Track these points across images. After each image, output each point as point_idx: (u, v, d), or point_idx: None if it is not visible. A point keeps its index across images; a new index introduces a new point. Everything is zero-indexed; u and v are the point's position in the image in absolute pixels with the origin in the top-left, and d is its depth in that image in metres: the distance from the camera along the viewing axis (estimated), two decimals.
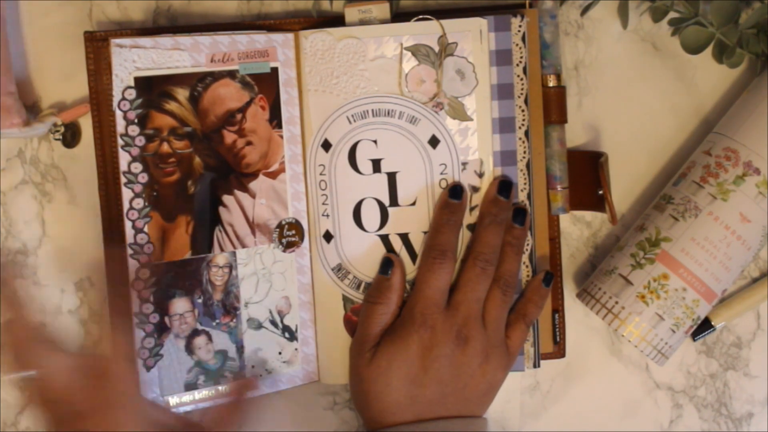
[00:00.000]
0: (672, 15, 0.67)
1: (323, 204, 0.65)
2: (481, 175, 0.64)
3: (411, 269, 0.65)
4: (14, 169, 0.68)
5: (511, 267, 0.63)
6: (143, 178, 0.62)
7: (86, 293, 0.69)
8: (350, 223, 0.65)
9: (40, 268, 0.69)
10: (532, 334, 0.66)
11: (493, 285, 0.63)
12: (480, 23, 0.63)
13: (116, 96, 0.61)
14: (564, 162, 0.67)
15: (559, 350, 0.68)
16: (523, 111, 0.65)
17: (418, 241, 0.65)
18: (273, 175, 0.65)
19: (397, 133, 0.64)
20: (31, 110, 0.68)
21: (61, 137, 0.67)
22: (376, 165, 0.65)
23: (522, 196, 0.65)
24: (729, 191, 0.64)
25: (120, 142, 0.61)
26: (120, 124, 0.61)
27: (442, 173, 0.64)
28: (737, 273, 0.66)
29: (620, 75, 0.70)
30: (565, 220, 0.71)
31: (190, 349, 0.63)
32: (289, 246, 0.66)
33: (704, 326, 0.70)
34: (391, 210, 0.65)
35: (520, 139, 0.65)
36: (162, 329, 0.63)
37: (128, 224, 0.61)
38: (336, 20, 0.65)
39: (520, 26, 0.64)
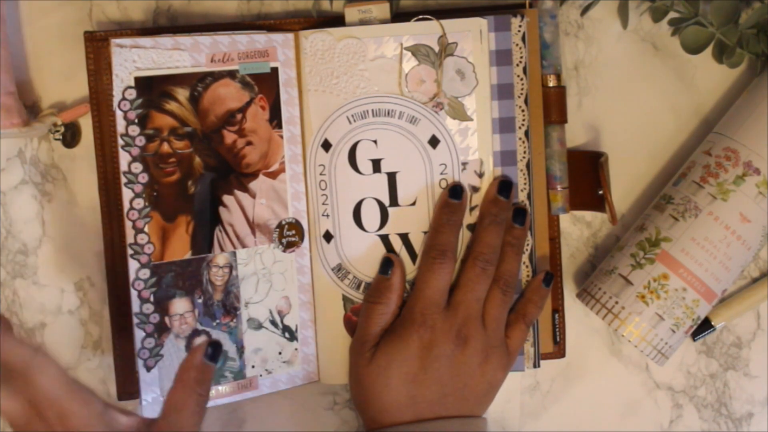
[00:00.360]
0: (672, 15, 0.67)
1: (323, 204, 0.65)
2: (481, 175, 0.64)
3: (411, 269, 0.65)
4: (14, 169, 0.68)
5: (511, 267, 0.63)
6: (143, 178, 0.62)
7: (86, 293, 0.69)
8: (350, 223, 0.65)
9: (40, 268, 0.69)
10: (532, 334, 0.66)
11: (493, 285, 0.63)
12: (480, 23, 0.63)
13: (116, 96, 0.61)
14: (564, 162, 0.67)
15: (559, 350, 0.68)
16: (523, 111, 0.65)
17: (418, 241, 0.65)
18: (273, 175, 0.65)
19: (397, 133, 0.64)
20: (31, 110, 0.68)
21: (61, 137, 0.67)
22: (376, 165, 0.65)
23: (522, 196, 0.65)
24: (729, 191, 0.64)
25: (120, 142, 0.61)
26: (120, 124, 0.61)
27: (442, 173, 0.64)
28: (737, 273, 0.66)
29: (620, 75, 0.70)
30: (565, 220, 0.71)
31: (190, 349, 0.63)
32: (289, 246, 0.66)
33: (704, 326, 0.70)
34: (391, 210, 0.65)
35: (520, 139, 0.64)
36: (162, 329, 0.62)
37: (128, 224, 0.61)
38: (336, 20, 0.65)
39: (520, 26, 0.64)
